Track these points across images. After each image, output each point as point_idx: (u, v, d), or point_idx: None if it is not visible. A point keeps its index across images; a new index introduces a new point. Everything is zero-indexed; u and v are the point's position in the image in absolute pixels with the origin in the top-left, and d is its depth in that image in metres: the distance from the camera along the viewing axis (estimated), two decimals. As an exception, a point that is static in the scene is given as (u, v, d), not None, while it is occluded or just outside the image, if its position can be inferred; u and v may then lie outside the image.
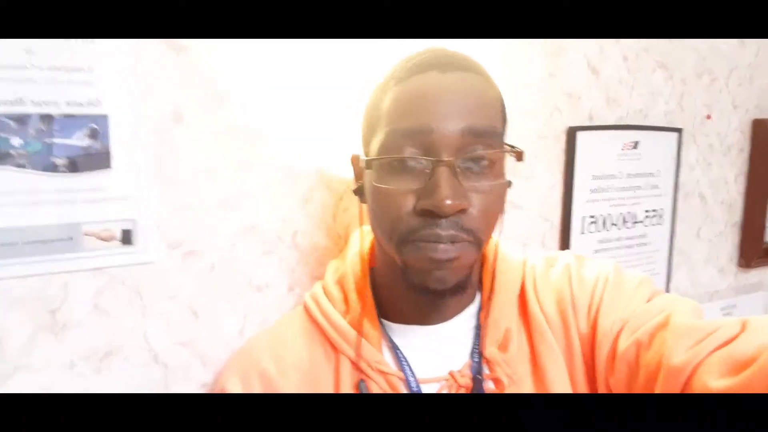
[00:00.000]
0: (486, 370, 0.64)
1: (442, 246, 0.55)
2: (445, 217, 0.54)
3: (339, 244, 0.82)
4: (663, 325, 0.57)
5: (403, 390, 0.62)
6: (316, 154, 0.79)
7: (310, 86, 0.77)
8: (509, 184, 0.62)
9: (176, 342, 0.74)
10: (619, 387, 0.59)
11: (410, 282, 0.59)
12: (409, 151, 0.55)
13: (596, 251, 1.09)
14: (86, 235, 0.67)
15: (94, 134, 0.65)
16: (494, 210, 0.59)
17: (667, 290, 1.23)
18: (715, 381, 0.48)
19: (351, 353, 0.64)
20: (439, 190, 0.53)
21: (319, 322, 0.67)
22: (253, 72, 0.73)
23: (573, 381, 0.64)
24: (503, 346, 0.65)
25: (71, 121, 0.64)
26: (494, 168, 0.58)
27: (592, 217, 1.07)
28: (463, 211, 0.55)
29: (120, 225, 0.68)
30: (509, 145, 0.59)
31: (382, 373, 0.63)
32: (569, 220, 1.04)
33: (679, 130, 1.17)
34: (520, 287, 0.68)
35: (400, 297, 0.65)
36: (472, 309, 0.67)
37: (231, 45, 0.71)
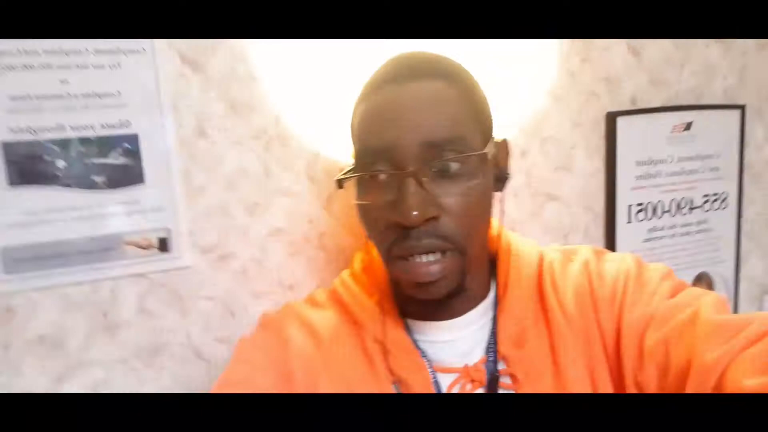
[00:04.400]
0: (502, 366, 0.64)
1: (422, 268, 0.56)
2: (415, 227, 0.55)
3: (365, 243, 0.85)
4: (691, 322, 0.55)
5: (425, 373, 0.63)
6: (337, 156, 0.82)
7: (326, 89, 0.80)
8: (505, 178, 0.63)
9: (216, 339, 0.80)
10: (649, 385, 0.58)
11: (403, 293, 0.61)
12: (379, 166, 0.57)
13: (646, 240, 1.04)
14: (127, 244, 0.74)
15: (127, 153, 0.72)
16: (474, 212, 0.58)
17: (737, 279, 1.15)
18: (747, 379, 0.47)
19: (376, 331, 0.65)
20: (404, 202, 0.54)
21: (346, 302, 0.68)
22: (268, 80, 0.78)
23: (593, 379, 0.62)
24: (519, 343, 0.64)
25: (106, 142, 0.71)
26: (467, 171, 0.57)
27: (639, 204, 1.02)
28: (435, 218, 0.56)
29: (156, 234, 0.75)
30: (477, 153, 0.58)
31: (404, 350, 0.64)
32: (614, 209, 1.01)
33: (741, 107, 1.09)
34: (537, 282, 0.67)
35: (404, 296, 0.65)
36: (486, 304, 0.67)
37: (244, 56, 0.76)
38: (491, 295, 0.67)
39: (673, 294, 0.61)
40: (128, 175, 0.72)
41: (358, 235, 0.85)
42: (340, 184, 0.60)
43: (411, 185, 0.55)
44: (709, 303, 0.56)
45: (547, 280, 0.66)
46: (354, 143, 0.61)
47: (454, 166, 0.56)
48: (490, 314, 0.67)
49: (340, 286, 0.70)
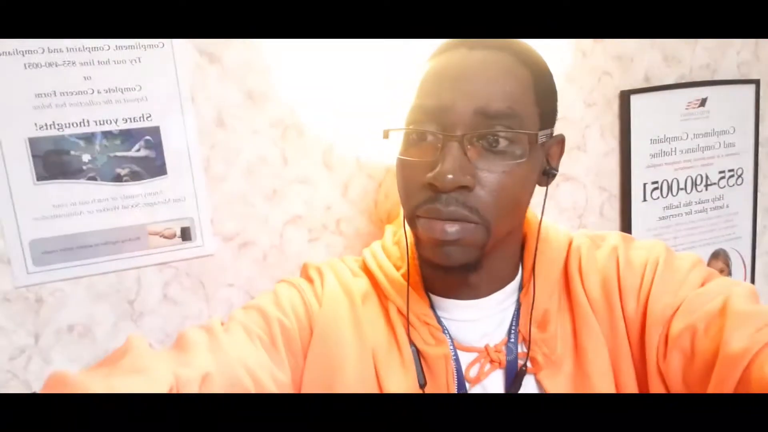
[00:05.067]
0: (523, 349, 0.64)
1: (440, 225, 0.56)
2: (446, 191, 0.55)
3: (382, 228, 0.86)
4: (720, 311, 0.55)
5: (445, 349, 0.64)
6: (353, 144, 0.84)
7: (341, 77, 0.81)
8: (552, 174, 0.62)
9: (239, 325, 0.82)
10: (672, 374, 0.58)
11: (422, 256, 0.60)
12: (429, 127, 0.57)
13: (662, 218, 1.04)
14: (151, 234, 0.76)
15: (149, 145, 0.73)
16: (510, 193, 0.57)
17: (754, 255, 1.15)
18: None
19: (401, 303, 0.65)
20: (443, 164, 0.54)
21: (374, 273, 0.68)
22: (284, 70, 0.79)
23: (616, 365, 0.63)
24: (542, 326, 0.64)
25: (129, 136, 0.72)
26: (514, 150, 0.57)
27: (654, 183, 1.03)
28: (467, 188, 0.55)
29: (179, 223, 0.77)
30: (527, 132, 0.57)
31: (426, 324, 0.64)
32: (629, 187, 1.01)
33: (756, 82, 1.08)
34: (563, 267, 0.67)
35: (429, 269, 0.66)
36: (512, 286, 0.67)
37: (260, 47, 0.77)
38: (518, 278, 0.68)
39: (703, 283, 0.60)
40: (150, 166, 0.74)
41: (375, 220, 0.86)
42: (386, 134, 0.61)
43: (454, 149, 0.55)
44: (739, 293, 0.56)
45: (573, 265, 0.66)
46: (413, 99, 0.60)
47: (503, 142, 0.56)
48: (515, 297, 0.67)
49: (369, 257, 0.70)
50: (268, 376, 0.58)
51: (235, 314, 0.63)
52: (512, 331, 0.65)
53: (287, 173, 0.81)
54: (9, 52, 0.66)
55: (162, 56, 0.72)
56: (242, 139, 0.78)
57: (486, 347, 0.64)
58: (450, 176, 0.54)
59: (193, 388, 0.52)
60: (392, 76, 0.81)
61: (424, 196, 0.57)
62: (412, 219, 0.59)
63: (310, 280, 0.69)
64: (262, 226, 0.81)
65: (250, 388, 0.56)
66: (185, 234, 0.77)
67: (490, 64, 0.57)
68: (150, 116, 0.73)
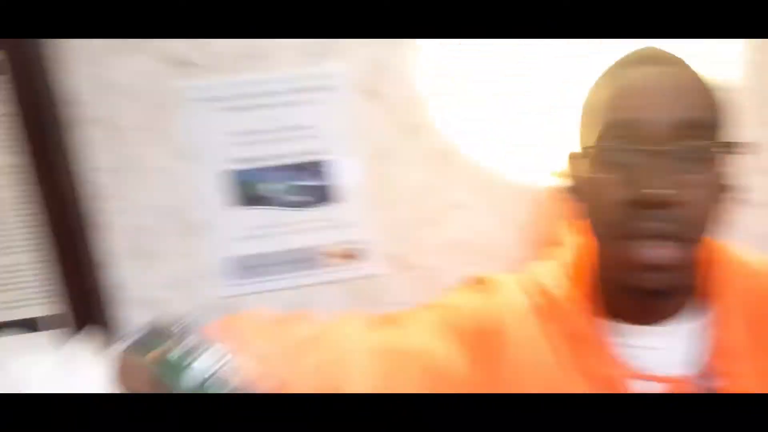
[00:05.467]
0: (714, 382, 0.60)
1: (648, 245, 0.55)
2: (650, 208, 0.54)
3: (539, 252, 0.85)
4: None
5: (624, 379, 0.61)
6: (510, 169, 0.85)
7: (497, 103, 0.83)
8: (736, 191, 0.59)
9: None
10: None
11: (619, 279, 0.59)
12: (623, 143, 0.56)
13: None
14: (323, 255, 0.85)
15: (322, 176, 0.83)
16: (709, 206, 0.56)
17: None
18: None
19: (578, 327, 0.63)
20: (644, 180, 0.53)
21: (546, 295, 0.67)
22: (437, 102, 0.83)
23: None
24: (735, 358, 0.60)
25: (304, 167, 0.82)
26: (710, 161, 0.55)
27: None
28: (670, 203, 0.53)
29: (351, 245, 0.85)
30: (727, 142, 0.56)
31: (604, 350, 0.62)
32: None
33: None
34: (756, 294, 0.62)
35: (613, 293, 0.63)
36: (701, 313, 0.62)
37: (414, 83, 0.82)
38: (706, 305, 0.63)
39: None
40: (326, 195, 0.83)
41: (533, 244, 0.86)
42: (585, 153, 0.61)
43: (653, 164, 0.54)
44: None
45: (764, 293, 0.62)
46: (596, 120, 0.60)
47: (702, 154, 0.55)
48: (698, 323, 0.62)
49: (539, 277, 0.69)
50: (452, 371, 0.63)
51: (417, 311, 0.68)
52: (700, 362, 0.61)
53: (446, 199, 0.85)
54: (205, 99, 0.79)
55: (331, 97, 0.81)
56: (402, 169, 0.84)
57: (674, 378, 0.60)
58: (653, 191, 0.53)
59: (411, 363, 0.62)
60: (553, 100, 0.82)
61: (624, 215, 0.56)
62: (611, 239, 0.58)
63: (483, 292, 0.71)
64: (423, 250, 0.86)
65: (437, 378, 0.62)
66: (354, 255, 0.85)
67: (679, 77, 0.56)
68: (322, 150, 0.82)
